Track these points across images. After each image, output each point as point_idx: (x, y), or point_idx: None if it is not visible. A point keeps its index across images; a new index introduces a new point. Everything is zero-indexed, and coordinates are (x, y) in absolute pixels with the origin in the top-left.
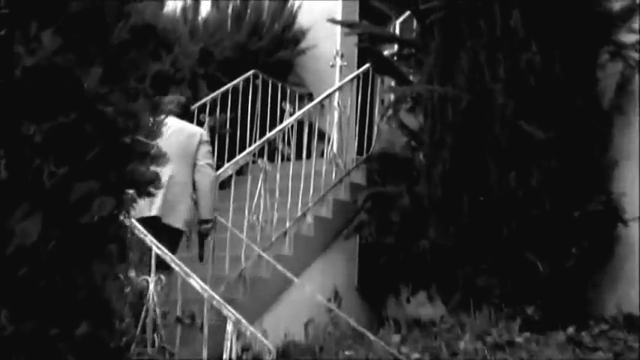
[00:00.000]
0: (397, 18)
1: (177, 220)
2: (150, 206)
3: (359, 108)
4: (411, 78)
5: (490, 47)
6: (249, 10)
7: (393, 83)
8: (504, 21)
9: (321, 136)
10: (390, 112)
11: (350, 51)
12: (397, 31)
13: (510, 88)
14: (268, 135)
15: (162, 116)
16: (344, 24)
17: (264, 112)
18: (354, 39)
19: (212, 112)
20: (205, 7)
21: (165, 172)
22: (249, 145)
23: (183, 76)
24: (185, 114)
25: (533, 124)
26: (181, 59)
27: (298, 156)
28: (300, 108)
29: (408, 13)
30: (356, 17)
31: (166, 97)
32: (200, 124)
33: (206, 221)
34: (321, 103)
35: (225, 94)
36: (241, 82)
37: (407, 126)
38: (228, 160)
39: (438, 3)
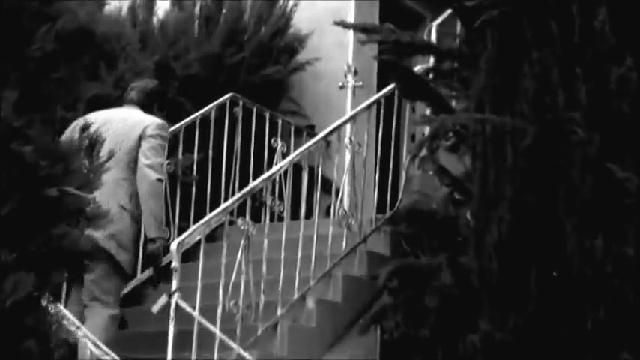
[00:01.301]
0: (433, 19)
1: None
2: None
3: (380, 146)
4: (453, 104)
5: (565, 60)
6: (224, 9)
7: (427, 111)
8: (586, 22)
9: (327, 186)
10: (424, 151)
11: (367, 66)
12: (433, 38)
13: (594, 117)
14: (252, 184)
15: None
16: (358, 28)
17: (245, 153)
18: (373, 49)
19: (173, 153)
20: (163, 5)
21: None
22: (225, 198)
23: (133, 100)
24: (149, 104)
25: (626, 168)
26: (129, 77)
27: (294, 214)
28: (296, 146)
29: (448, 12)
30: (375, 19)
31: (133, 83)
32: None
33: (152, 240)
34: (326, 139)
35: (191, 127)
36: (214, 110)
37: (448, 171)
38: (196, 220)
39: None
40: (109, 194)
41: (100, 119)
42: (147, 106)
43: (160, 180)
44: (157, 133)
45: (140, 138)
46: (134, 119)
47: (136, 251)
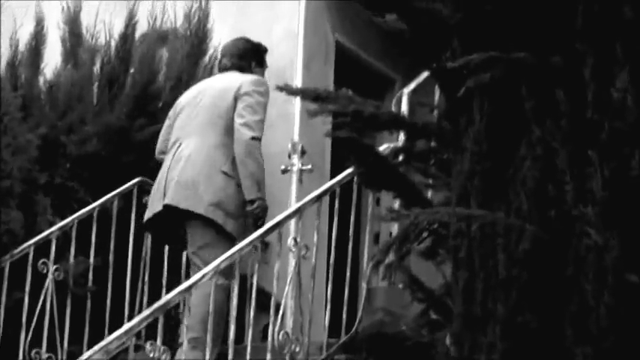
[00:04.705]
0: (404, 85)
1: (197, 204)
2: (163, 197)
3: (333, 250)
4: (429, 194)
5: (575, 139)
6: (132, 69)
7: (396, 204)
8: (602, 91)
9: (264, 301)
10: (391, 257)
11: (318, 145)
12: (404, 109)
13: (612, 214)
14: (166, 298)
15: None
16: (307, 95)
17: (158, 255)
18: (326, 123)
19: (61, 257)
20: (52, 62)
21: (185, 148)
22: (130, 317)
23: (9, 187)
24: (246, 65)
25: None
26: (6, 156)
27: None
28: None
29: (424, 75)
30: (330, 83)
31: (221, 50)
32: (39, 276)
33: (251, 202)
34: (262, 239)
35: (86, 221)
36: (117, 200)
37: (422, 284)
38: (91, 344)
39: (480, 57)
40: (204, 166)
41: (195, 90)
42: (244, 68)
43: (255, 138)
44: (253, 89)
45: (235, 99)
46: (228, 81)
47: (243, 215)
